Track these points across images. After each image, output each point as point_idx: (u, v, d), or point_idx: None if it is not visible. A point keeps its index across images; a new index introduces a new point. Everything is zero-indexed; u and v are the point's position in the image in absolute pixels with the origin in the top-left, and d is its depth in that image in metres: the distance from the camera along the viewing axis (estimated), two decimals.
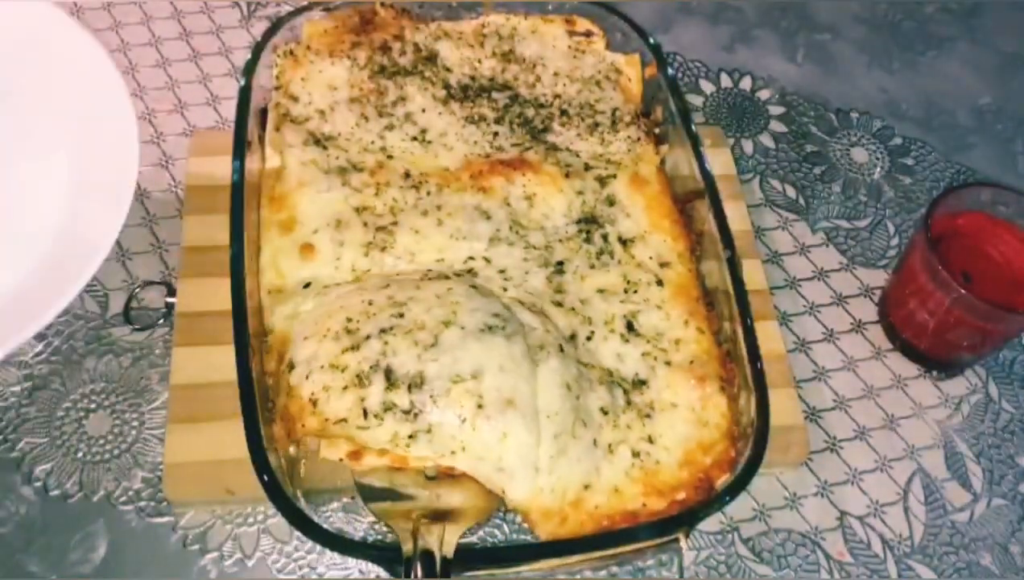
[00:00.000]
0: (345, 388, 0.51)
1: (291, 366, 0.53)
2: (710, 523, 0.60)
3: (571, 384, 0.54)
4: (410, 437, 0.50)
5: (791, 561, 0.59)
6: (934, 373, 0.68)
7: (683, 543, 0.50)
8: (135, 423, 0.61)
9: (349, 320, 0.53)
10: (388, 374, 0.51)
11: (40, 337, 0.64)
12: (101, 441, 0.60)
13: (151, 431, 0.60)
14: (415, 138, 0.66)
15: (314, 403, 0.51)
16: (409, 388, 0.50)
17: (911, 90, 0.86)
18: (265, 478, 0.48)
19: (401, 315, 0.53)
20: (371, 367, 0.51)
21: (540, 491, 0.51)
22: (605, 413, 0.55)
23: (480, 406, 0.50)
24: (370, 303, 0.54)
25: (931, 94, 0.86)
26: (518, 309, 0.56)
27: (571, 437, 0.52)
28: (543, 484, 0.51)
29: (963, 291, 0.60)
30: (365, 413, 0.50)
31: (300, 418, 0.51)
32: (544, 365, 0.53)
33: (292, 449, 0.52)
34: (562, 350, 0.55)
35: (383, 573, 0.49)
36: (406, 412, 0.50)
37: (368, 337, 0.52)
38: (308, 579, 0.57)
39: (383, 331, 0.52)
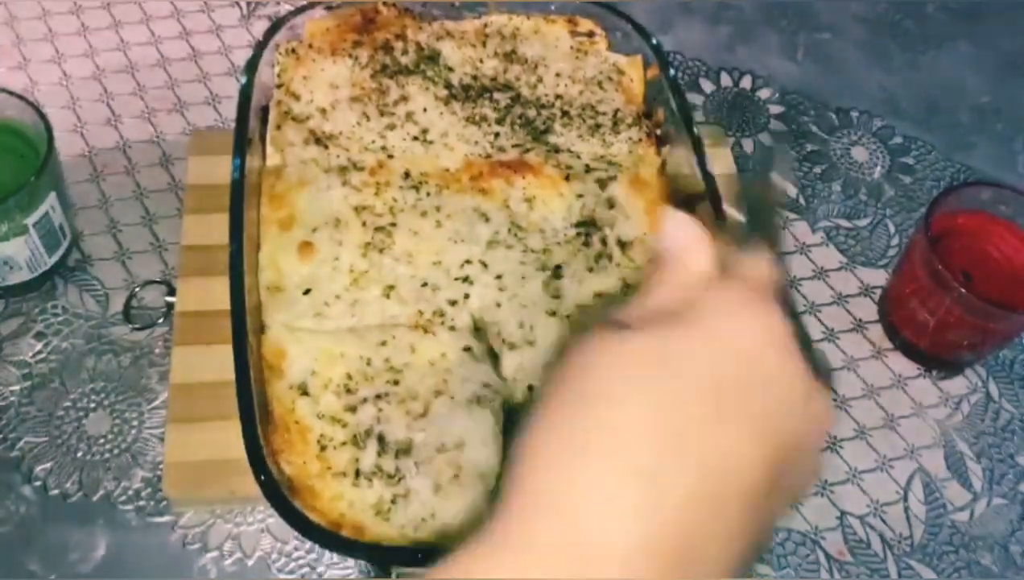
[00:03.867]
0: (344, 444, 0.52)
1: (303, 391, 0.54)
2: None
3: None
4: (392, 502, 0.51)
5: (791, 560, 0.59)
6: (934, 372, 0.68)
7: None
8: (135, 422, 0.61)
9: (349, 378, 0.55)
10: (380, 440, 0.53)
11: (40, 336, 0.64)
12: (101, 440, 0.60)
13: (151, 430, 0.60)
14: (416, 138, 0.66)
15: (322, 448, 0.52)
16: (396, 454, 0.52)
17: (911, 89, 0.86)
18: (262, 478, 0.48)
19: (396, 382, 0.55)
20: (366, 431, 0.53)
21: None
22: None
23: (457, 475, 0.52)
24: (368, 363, 0.55)
25: (932, 93, 0.86)
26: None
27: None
28: None
29: (963, 290, 0.60)
30: (358, 473, 0.52)
31: (303, 455, 0.52)
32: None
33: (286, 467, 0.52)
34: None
35: (381, 573, 0.49)
36: (391, 476, 0.52)
37: (365, 400, 0.54)
38: (308, 579, 0.57)
39: (379, 397, 0.54)
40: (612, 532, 0.28)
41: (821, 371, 0.34)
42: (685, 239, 0.36)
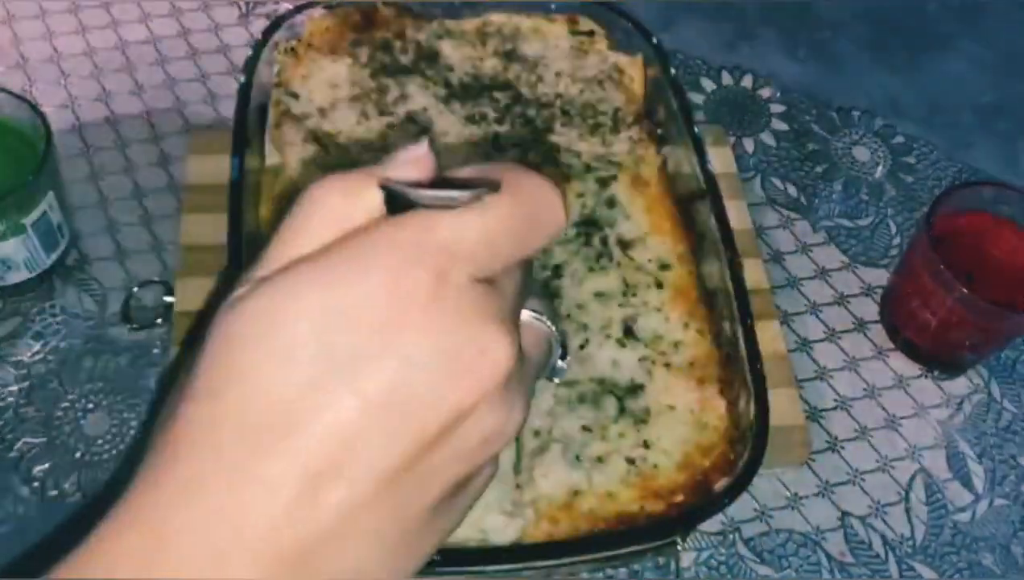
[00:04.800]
0: None
1: None
2: (711, 523, 0.60)
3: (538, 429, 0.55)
4: None
5: (792, 561, 0.59)
6: (936, 373, 0.68)
7: (680, 545, 0.49)
8: (134, 422, 0.61)
9: None
10: None
11: (38, 336, 0.63)
12: (99, 441, 0.60)
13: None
14: (416, 137, 0.66)
15: None
16: None
17: (913, 88, 0.86)
18: None
19: None
20: None
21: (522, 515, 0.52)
22: (588, 430, 0.54)
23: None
24: None
25: (933, 92, 0.86)
26: None
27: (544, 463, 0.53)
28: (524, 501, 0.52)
29: (965, 290, 0.60)
30: None
31: None
32: None
33: None
34: None
35: None
36: None
37: None
38: None
39: None
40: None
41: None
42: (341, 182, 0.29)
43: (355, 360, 0.26)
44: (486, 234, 0.28)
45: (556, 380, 0.34)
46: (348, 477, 0.25)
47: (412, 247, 0.26)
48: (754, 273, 0.67)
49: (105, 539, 0.25)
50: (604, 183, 0.65)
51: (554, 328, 0.34)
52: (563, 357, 0.36)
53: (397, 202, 0.28)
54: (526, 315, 0.33)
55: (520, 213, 0.29)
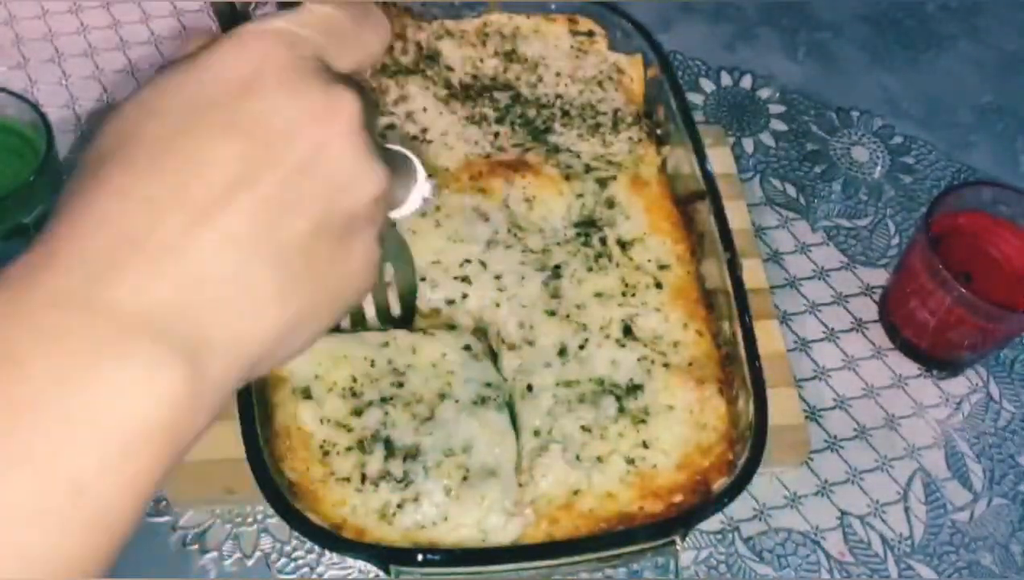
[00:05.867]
0: (349, 449, 0.52)
1: (306, 395, 0.54)
2: (710, 523, 0.60)
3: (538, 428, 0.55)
4: (398, 506, 0.51)
5: (791, 561, 0.59)
6: (935, 372, 0.68)
7: (679, 545, 0.50)
8: None
9: (354, 380, 0.55)
10: (387, 444, 0.53)
11: None
12: None
13: None
14: (415, 137, 0.66)
15: (325, 453, 0.52)
16: (404, 458, 0.52)
17: (912, 89, 0.86)
18: (264, 483, 0.48)
19: (400, 385, 0.55)
20: (372, 436, 0.53)
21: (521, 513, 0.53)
22: (587, 430, 0.55)
23: (465, 478, 0.52)
24: (372, 364, 0.55)
25: (932, 93, 0.86)
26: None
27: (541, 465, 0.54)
28: (524, 500, 0.53)
29: (964, 290, 0.60)
30: (363, 478, 0.52)
31: (305, 460, 0.52)
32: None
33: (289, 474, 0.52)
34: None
35: (382, 573, 0.49)
36: (399, 481, 0.52)
37: (371, 403, 0.54)
38: (308, 579, 0.57)
39: (384, 400, 0.54)
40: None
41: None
42: None
43: (222, 110, 0.28)
44: (322, 24, 0.31)
45: (428, 198, 0.37)
46: (227, 208, 0.27)
47: (257, 32, 0.30)
48: (753, 273, 0.67)
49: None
50: (604, 183, 0.65)
51: (415, 156, 0.37)
52: (428, 178, 0.38)
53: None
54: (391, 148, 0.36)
55: (347, 14, 0.32)
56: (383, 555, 0.49)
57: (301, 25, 0.31)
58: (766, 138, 0.80)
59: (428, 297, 0.59)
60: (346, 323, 0.56)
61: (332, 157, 0.30)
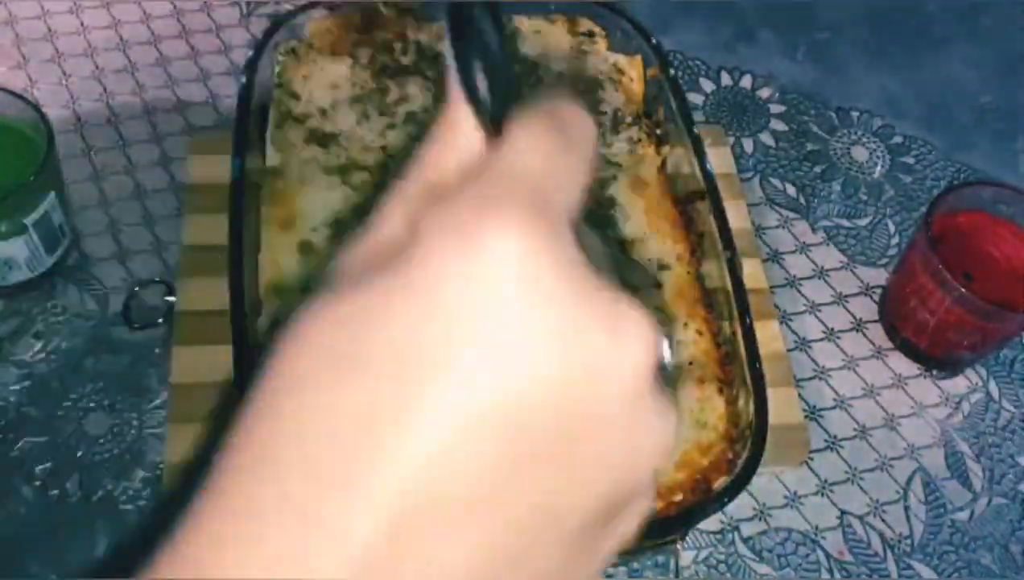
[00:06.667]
0: None
1: None
2: (710, 522, 0.60)
3: None
4: None
5: (791, 560, 0.59)
6: (935, 372, 0.68)
7: (679, 545, 0.50)
8: (135, 422, 0.61)
9: None
10: None
11: (39, 336, 0.64)
12: (101, 440, 0.60)
13: (151, 430, 0.60)
14: (416, 138, 0.66)
15: None
16: None
17: (912, 88, 0.86)
18: None
19: None
20: None
21: None
22: None
23: None
24: None
25: (932, 92, 0.86)
26: None
27: None
28: None
29: (963, 290, 0.60)
30: None
31: None
32: None
33: None
34: None
35: None
36: None
37: None
38: None
39: None
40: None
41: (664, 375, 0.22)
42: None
43: (446, 354, 0.19)
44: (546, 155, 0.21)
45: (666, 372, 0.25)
46: (435, 516, 0.19)
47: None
48: (753, 273, 0.67)
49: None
50: (604, 183, 0.65)
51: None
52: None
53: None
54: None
55: (551, 125, 0.22)
56: None
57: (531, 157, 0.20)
58: (766, 138, 0.80)
59: None
60: None
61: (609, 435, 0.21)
